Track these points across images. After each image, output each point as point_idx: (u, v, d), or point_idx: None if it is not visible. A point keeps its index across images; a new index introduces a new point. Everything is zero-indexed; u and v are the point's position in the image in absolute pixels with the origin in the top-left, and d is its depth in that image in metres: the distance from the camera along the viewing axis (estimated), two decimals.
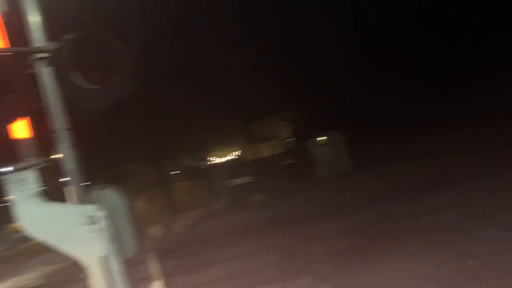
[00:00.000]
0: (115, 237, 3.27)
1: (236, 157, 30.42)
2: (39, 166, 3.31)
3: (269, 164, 21.32)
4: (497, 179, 9.56)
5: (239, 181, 21.33)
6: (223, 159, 30.68)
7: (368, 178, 15.75)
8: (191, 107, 22.86)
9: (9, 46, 3.54)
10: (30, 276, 15.57)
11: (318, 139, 20.30)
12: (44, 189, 3.25)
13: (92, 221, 3.16)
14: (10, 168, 3.29)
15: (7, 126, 3.41)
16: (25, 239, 21.42)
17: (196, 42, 23.10)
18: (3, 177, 3.24)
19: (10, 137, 3.47)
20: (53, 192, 3.38)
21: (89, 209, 3.18)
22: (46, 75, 3.49)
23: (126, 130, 20.90)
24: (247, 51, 23.79)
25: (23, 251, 27.07)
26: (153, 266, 4.08)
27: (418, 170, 13.91)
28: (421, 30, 23.32)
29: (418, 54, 23.09)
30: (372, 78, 23.81)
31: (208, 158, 29.28)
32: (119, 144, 21.43)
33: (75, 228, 3.13)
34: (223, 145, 29.09)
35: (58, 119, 3.54)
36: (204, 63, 24.04)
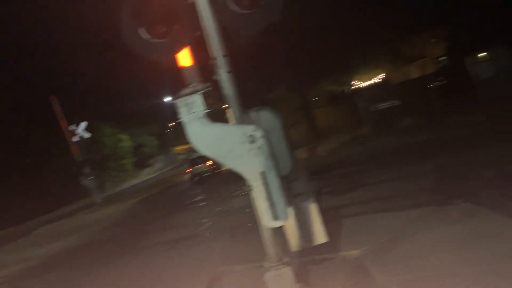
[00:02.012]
0: (272, 155, 3.51)
1: (382, 80, 28.91)
2: (203, 91, 3.63)
3: (418, 86, 19.77)
4: None
5: (385, 105, 20.39)
6: (368, 83, 29.49)
7: None
8: (335, 28, 22.06)
9: None
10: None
11: (478, 55, 17.92)
12: (209, 112, 3.59)
13: (252, 140, 3.42)
14: (179, 94, 3.68)
15: (175, 55, 3.78)
16: (188, 159, 24.26)
17: None
18: (174, 101, 3.66)
19: (177, 65, 3.86)
20: (216, 114, 3.72)
21: (249, 129, 3.43)
22: (204, 3, 3.70)
23: (274, 56, 21.36)
24: None
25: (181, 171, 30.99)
26: (306, 184, 4.29)
27: None
28: None
29: None
30: None
31: (351, 83, 28.49)
32: (268, 70, 22.14)
33: (238, 146, 3.44)
34: (369, 68, 27.80)
35: (216, 46, 3.78)
36: None
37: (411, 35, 25.39)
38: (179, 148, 54.54)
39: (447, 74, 21.33)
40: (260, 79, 21.28)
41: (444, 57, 25.92)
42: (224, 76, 3.74)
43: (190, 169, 23.16)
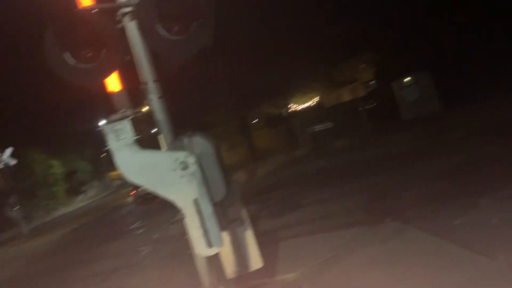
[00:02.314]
0: (205, 181, 3.46)
1: (317, 103, 29.99)
2: (132, 117, 3.54)
3: (350, 109, 20.75)
4: None
5: (320, 127, 21.14)
6: (304, 106, 30.43)
7: (457, 120, 14.73)
8: (271, 55, 22.67)
9: (95, 3, 3.71)
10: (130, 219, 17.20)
11: (403, 80, 19.20)
12: (138, 138, 3.49)
13: (184, 166, 3.37)
14: (108, 120, 3.55)
15: (103, 80, 3.66)
16: (125, 185, 23.54)
17: None
18: (102, 128, 3.52)
19: (106, 91, 3.74)
20: (147, 140, 3.63)
21: (181, 156, 3.38)
22: (132, 29, 3.64)
23: (210, 80, 21.44)
24: None
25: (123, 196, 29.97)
26: (241, 209, 4.28)
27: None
28: None
29: None
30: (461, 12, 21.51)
31: (289, 105, 29.26)
32: (204, 93, 22.14)
33: (169, 173, 3.37)
34: (304, 92, 28.76)
35: (146, 71, 3.72)
36: (283, 7, 23.39)
37: (342, 61, 26.71)
38: (115, 174, 52.52)
39: (376, 97, 22.61)
40: (197, 102, 21.22)
41: (373, 82, 27.48)
42: (155, 101, 3.68)
43: (134, 191, 22.58)
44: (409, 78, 19.10)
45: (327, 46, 24.06)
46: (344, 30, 23.94)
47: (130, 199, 23.88)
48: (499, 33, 20.25)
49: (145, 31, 3.63)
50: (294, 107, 30.50)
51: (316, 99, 30.24)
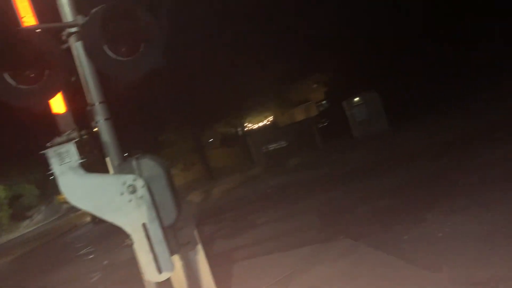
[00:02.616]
0: (155, 205, 3.37)
1: (271, 122, 30.37)
2: (78, 139, 3.41)
3: (303, 128, 21.17)
4: None
5: (274, 146, 21.37)
6: (258, 125, 30.71)
7: (405, 137, 15.39)
8: (225, 74, 22.81)
9: (38, 23, 3.60)
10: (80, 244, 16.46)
11: (353, 99, 19.87)
12: (84, 161, 3.36)
13: (132, 190, 3.26)
14: (51, 143, 3.40)
15: (47, 102, 3.52)
16: (74, 209, 22.60)
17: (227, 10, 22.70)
18: (46, 151, 3.37)
19: (51, 112, 3.59)
20: (93, 163, 3.49)
21: (129, 179, 3.27)
22: (78, 49, 3.54)
23: (163, 99, 21.19)
24: (281, 12, 23.22)
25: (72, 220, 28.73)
26: (193, 232, 4.20)
27: (456, 129, 13.42)
28: None
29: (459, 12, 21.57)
30: (408, 35, 22.75)
31: (244, 124, 29.43)
32: (157, 113, 21.84)
33: (116, 197, 3.24)
34: (258, 111, 29.07)
35: (93, 93, 3.61)
36: (236, 28, 23.71)
37: (295, 81, 27.33)
38: (63, 197, 50.19)
39: (328, 116, 23.25)
40: (151, 122, 20.90)
41: (325, 101, 28.28)
42: (101, 123, 3.57)
43: None
44: (357, 98, 19.79)
45: (281, 66, 24.58)
46: (297, 51, 24.58)
47: (88, 219, 23.10)
48: (441, 54, 21.55)
49: (92, 52, 3.53)
50: (249, 126, 30.73)
51: (271, 118, 30.64)
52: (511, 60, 18.61)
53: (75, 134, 3.44)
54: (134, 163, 3.57)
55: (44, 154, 3.40)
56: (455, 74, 20.68)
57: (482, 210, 5.85)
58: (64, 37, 3.64)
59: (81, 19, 3.52)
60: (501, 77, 18.50)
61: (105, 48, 3.50)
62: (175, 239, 3.75)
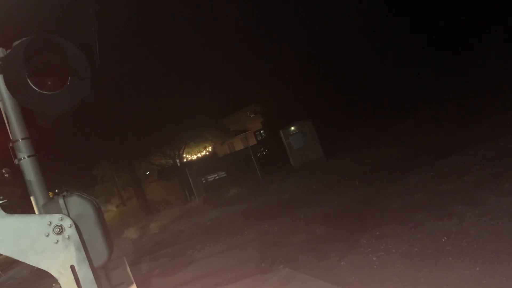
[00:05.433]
0: (84, 245, 3.19)
1: (210, 152, 30.25)
2: None
3: (242, 157, 21.28)
4: (461, 157, 9.92)
5: (214, 176, 21.24)
6: (197, 156, 30.46)
7: (340, 165, 15.98)
8: (160, 107, 22.60)
9: None
10: None
11: (289, 128, 20.37)
12: (4, 202, 3.13)
13: (59, 230, 3.07)
14: None
15: None
16: None
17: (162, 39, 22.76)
18: None
19: None
20: (15, 204, 3.27)
21: (55, 218, 3.09)
22: (0, 83, 3.36)
23: (96, 134, 20.49)
24: (215, 44, 23.63)
25: None
26: (127, 271, 4.01)
27: (388, 156, 14.21)
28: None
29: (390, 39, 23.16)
30: (341, 66, 24.04)
31: (182, 156, 29.05)
32: (91, 148, 21.01)
33: (41, 239, 3.03)
34: (196, 142, 28.87)
35: (15, 128, 3.41)
36: (171, 59, 23.75)
37: (233, 111, 27.65)
38: None
39: (266, 145, 23.62)
40: (85, 157, 20.06)
41: (262, 131, 28.78)
42: (24, 160, 3.37)
43: None
44: (293, 127, 20.33)
45: (218, 96, 24.83)
46: (234, 82, 25.04)
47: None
48: (367, 85, 22.94)
49: (14, 86, 3.36)
50: (188, 157, 30.38)
51: (209, 148, 30.54)
52: (424, 91, 20.40)
53: None
54: (61, 201, 3.38)
55: None
56: (378, 103, 22.13)
57: (411, 232, 6.17)
58: None
59: (1, 52, 3.36)
60: (417, 105, 20.18)
61: (29, 81, 3.34)
62: (108, 280, 3.55)
